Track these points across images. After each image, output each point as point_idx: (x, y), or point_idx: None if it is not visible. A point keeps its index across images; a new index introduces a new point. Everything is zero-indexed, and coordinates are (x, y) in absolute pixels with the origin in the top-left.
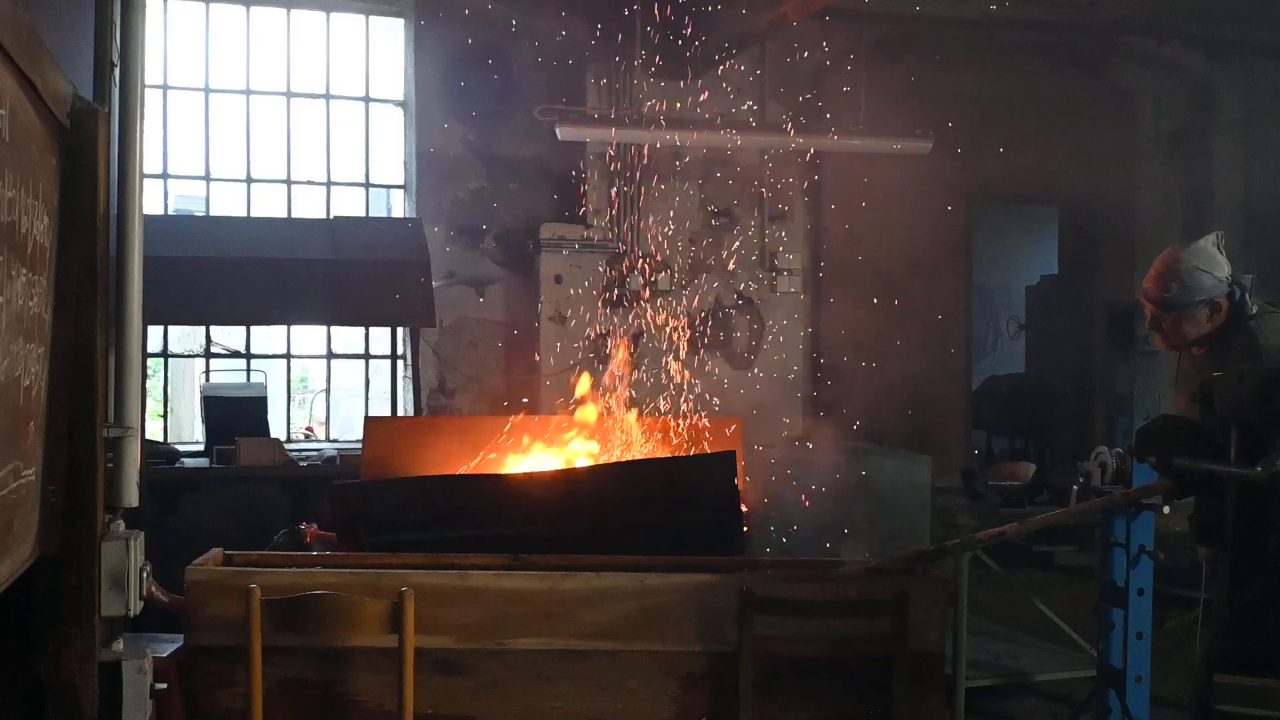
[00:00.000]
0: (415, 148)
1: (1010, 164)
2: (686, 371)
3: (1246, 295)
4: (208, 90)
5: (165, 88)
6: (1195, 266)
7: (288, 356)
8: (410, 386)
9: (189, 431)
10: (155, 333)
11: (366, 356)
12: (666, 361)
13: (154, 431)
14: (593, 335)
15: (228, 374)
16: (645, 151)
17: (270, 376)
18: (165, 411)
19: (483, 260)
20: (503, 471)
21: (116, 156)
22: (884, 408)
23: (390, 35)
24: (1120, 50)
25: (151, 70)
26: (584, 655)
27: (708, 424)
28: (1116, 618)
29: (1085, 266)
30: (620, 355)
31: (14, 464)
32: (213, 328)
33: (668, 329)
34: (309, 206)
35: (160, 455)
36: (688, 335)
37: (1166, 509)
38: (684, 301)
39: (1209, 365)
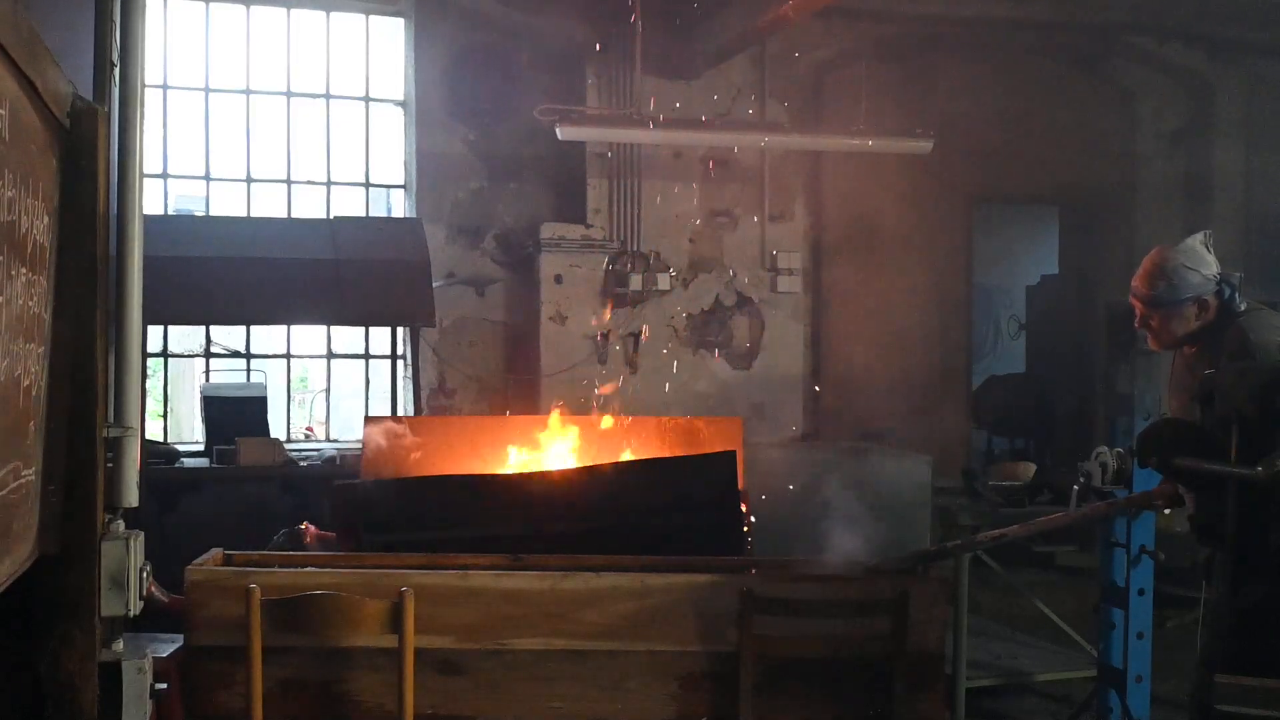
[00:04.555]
0: (415, 148)
1: (1010, 164)
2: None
3: (1235, 294)
4: (208, 90)
5: (165, 88)
6: (1182, 265)
7: (288, 356)
8: (410, 386)
9: (189, 431)
10: (155, 333)
11: (366, 356)
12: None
13: (154, 431)
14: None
15: (228, 374)
16: (645, 151)
17: (270, 376)
18: (165, 411)
19: (483, 260)
20: (503, 471)
21: (116, 156)
22: (884, 408)
23: (390, 35)
24: (1121, 50)
25: (151, 70)
26: (584, 655)
27: (708, 424)
28: (1117, 618)
29: (1085, 266)
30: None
31: (14, 464)
32: (213, 328)
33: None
34: (309, 206)
35: (160, 455)
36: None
37: (1168, 511)
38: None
39: (1200, 363)
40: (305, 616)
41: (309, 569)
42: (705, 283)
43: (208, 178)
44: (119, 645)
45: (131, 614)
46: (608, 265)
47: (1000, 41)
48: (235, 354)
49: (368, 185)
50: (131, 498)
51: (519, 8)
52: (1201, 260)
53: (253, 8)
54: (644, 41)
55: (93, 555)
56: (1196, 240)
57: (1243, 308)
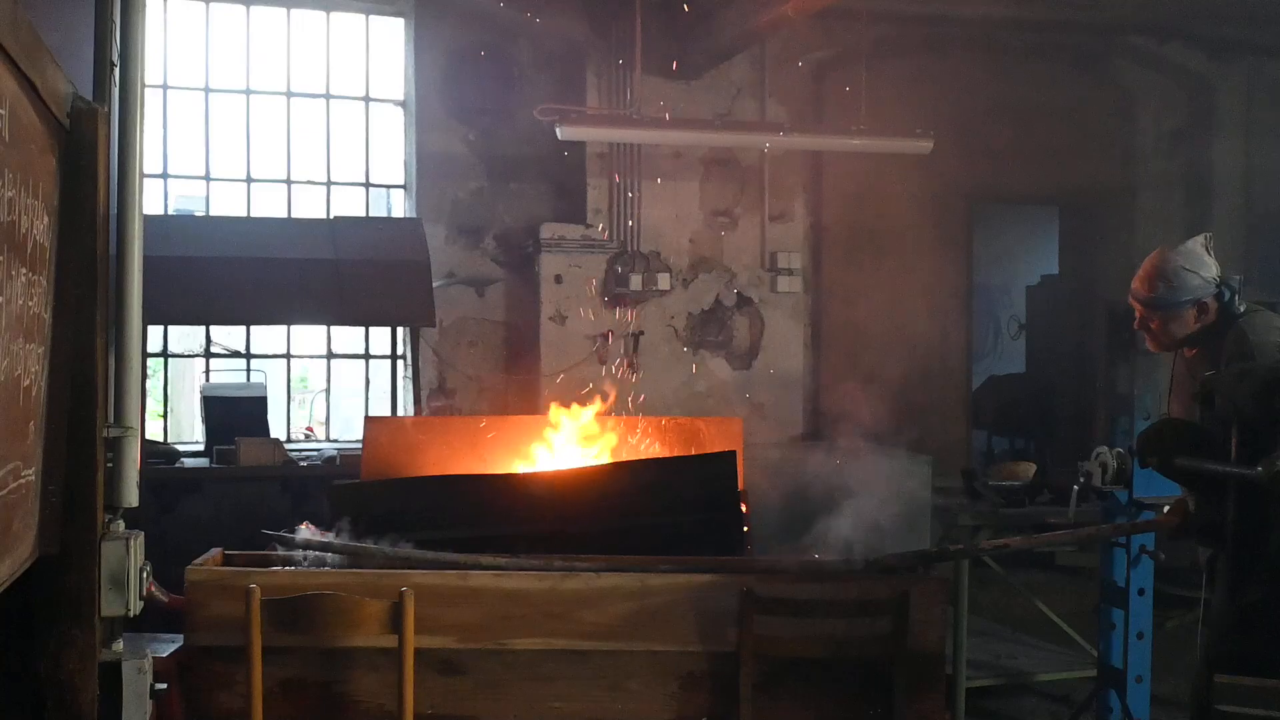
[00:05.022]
0: (415, 148)
1: (1010, 164)
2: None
3: (1235, 296)
4: (208, 90)
5: (165, 88)
6: (1182, 267)
7: (288, 356)
8: (410, 386)
9: (189, 431)
10: (155, 333)
11: (366, 356)
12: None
13: (154, 431)
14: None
15: (228, 374)
16: (645, 151)
17: (270, 376)
18: (165, 411)
19: (483, 260)
20: (503, 472)
21: (116, 156)
22: (884, 407)
23: (390, 35)
24: (1121, 50)
25: (151, 70)
26: (584, 655)
27: (708, 424)
28: (1117, 618)
29: (1085, 266)
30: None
31: (14, 464)
32: (213, 328)
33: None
34: (309, 206)
35: (160, 455)
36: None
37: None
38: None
39: (1201, 365)
40: (305, 616)
41: (309, 569)
42: (705, 283)
43: (208, 178)
44: (119, 645)
45: (131, 614)
46: (608, 265)
47: (1000, 41)
48: (235, 354)
49: (368, 185)
50: (131, 498)
51: (519, 8)
52: (1201, 263)
53: (253, 8)
54: (644, 41)
55: (93, 555)
56: (1197, 243)
57: (1242, 309)
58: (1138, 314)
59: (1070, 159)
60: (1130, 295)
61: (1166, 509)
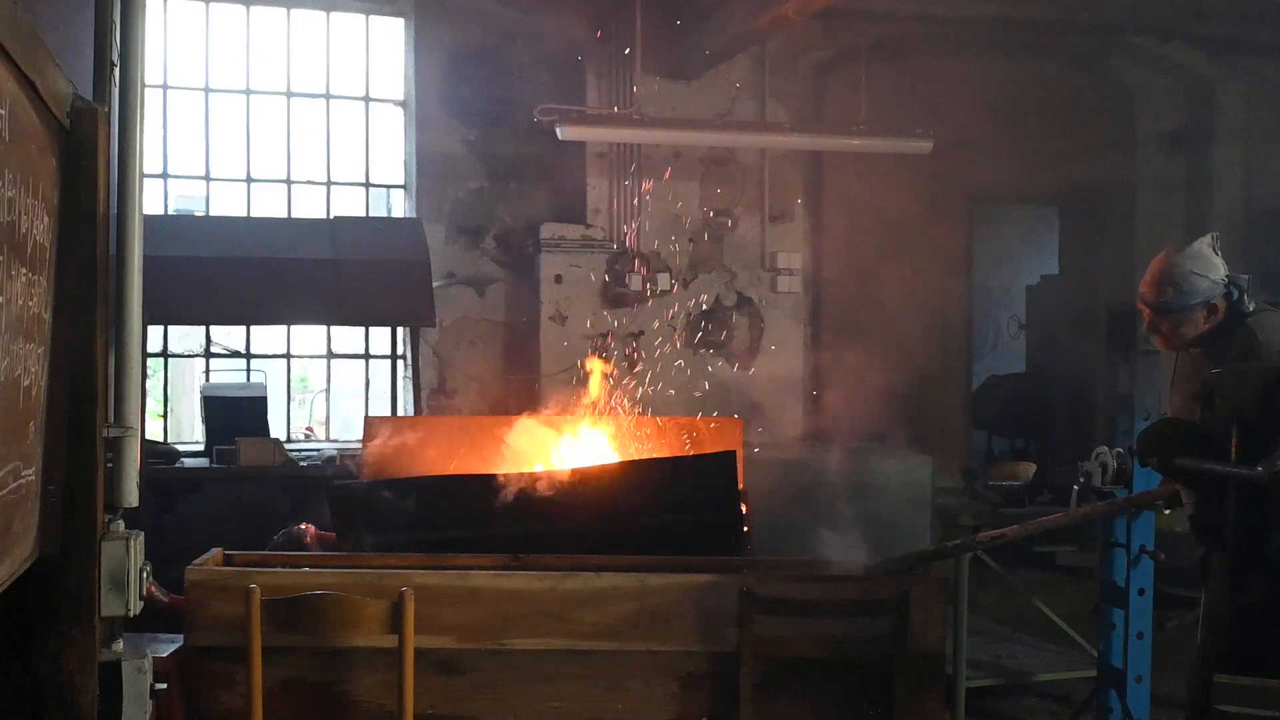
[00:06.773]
0: (415, 148)
1: (1010, 164)
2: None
3: (1244, 295)
4: (208, 90)
5: (165, 88)
6: (1190, 270)
7: (288, 356)
8: (410, 386)
9: (189, 431)
10: (155, 333)
11: (366, 356)
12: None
13: (154, 431)
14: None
15: (228, 374)
16: (645, 151)
17: (270, 376)
18: (165, 411)
19: (483, 260)
20: (503, 471)
21: (116, 156)
22: (884, 408)
23: (390, 35)
24: (1121, 49)
25: (151, 70)
26: (584, 655)
27: (708, 424)
28: (1117, 618)
29: (1085, 266)
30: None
31: (14, 464)
32: (213, 328)
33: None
34: (309, 206)
35: (160, 455)
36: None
37: (1168, 511)
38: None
39: (1207, 364)
40: (305, 616)
41: (309, 569)
42: (705, 283)
43: (208, 178)
44: (119, 645)
45: (131, 614)
46: (608, 265)
47: (1000, 41)
48: (235, 354)
49: (368, 185)
50: (131, 498)
51: (518, 7)
52: (1209, 265)
53: (253, 8)
54: (644, 41)
55: (93, 555)
56: (1204, 244)
57: (1251, 309)
58: (1146, 317)
59: (1070, 159)
60: (1138, 299)
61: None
